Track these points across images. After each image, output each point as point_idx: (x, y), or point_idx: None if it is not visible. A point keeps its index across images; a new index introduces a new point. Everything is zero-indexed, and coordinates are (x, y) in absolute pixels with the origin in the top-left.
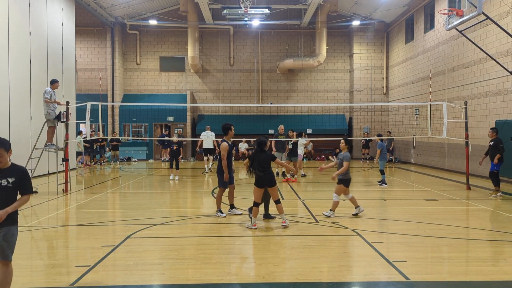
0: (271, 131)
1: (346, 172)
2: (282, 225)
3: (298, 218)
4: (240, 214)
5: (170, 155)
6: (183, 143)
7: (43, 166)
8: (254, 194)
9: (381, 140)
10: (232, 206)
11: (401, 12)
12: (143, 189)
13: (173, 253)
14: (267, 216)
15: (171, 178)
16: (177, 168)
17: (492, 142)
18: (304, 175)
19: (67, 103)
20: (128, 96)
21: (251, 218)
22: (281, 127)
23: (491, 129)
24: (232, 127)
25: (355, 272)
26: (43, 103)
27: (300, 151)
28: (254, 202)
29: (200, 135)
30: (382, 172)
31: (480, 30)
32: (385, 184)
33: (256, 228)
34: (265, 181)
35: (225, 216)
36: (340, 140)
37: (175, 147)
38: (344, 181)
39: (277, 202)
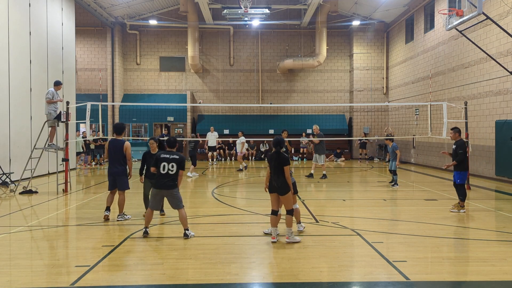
0: (271, 131)
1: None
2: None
3: None
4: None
5: None
6: (183, 142)
7: (43, 166)
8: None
9: (392, 140)
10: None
11: (401, 12)
12: (143, 189)
13: (173, 253)
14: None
15: None
16: None
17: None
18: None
19: (67, 103)
20: (128, 96)
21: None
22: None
23: (452, 129)
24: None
25: (355, 272)
26: (44, 102)
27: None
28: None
29: (203, 135)
30: (395, 172)
31: (480, 30)
32: (397, 185)
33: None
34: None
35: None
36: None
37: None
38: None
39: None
